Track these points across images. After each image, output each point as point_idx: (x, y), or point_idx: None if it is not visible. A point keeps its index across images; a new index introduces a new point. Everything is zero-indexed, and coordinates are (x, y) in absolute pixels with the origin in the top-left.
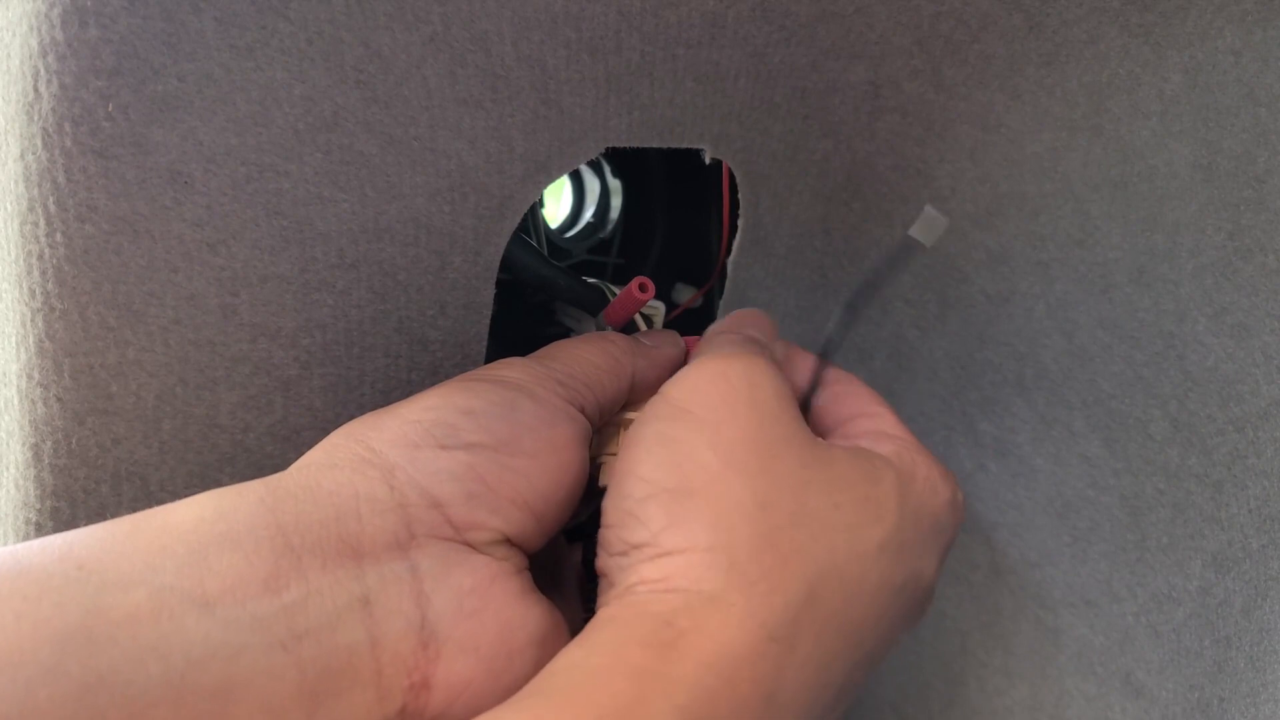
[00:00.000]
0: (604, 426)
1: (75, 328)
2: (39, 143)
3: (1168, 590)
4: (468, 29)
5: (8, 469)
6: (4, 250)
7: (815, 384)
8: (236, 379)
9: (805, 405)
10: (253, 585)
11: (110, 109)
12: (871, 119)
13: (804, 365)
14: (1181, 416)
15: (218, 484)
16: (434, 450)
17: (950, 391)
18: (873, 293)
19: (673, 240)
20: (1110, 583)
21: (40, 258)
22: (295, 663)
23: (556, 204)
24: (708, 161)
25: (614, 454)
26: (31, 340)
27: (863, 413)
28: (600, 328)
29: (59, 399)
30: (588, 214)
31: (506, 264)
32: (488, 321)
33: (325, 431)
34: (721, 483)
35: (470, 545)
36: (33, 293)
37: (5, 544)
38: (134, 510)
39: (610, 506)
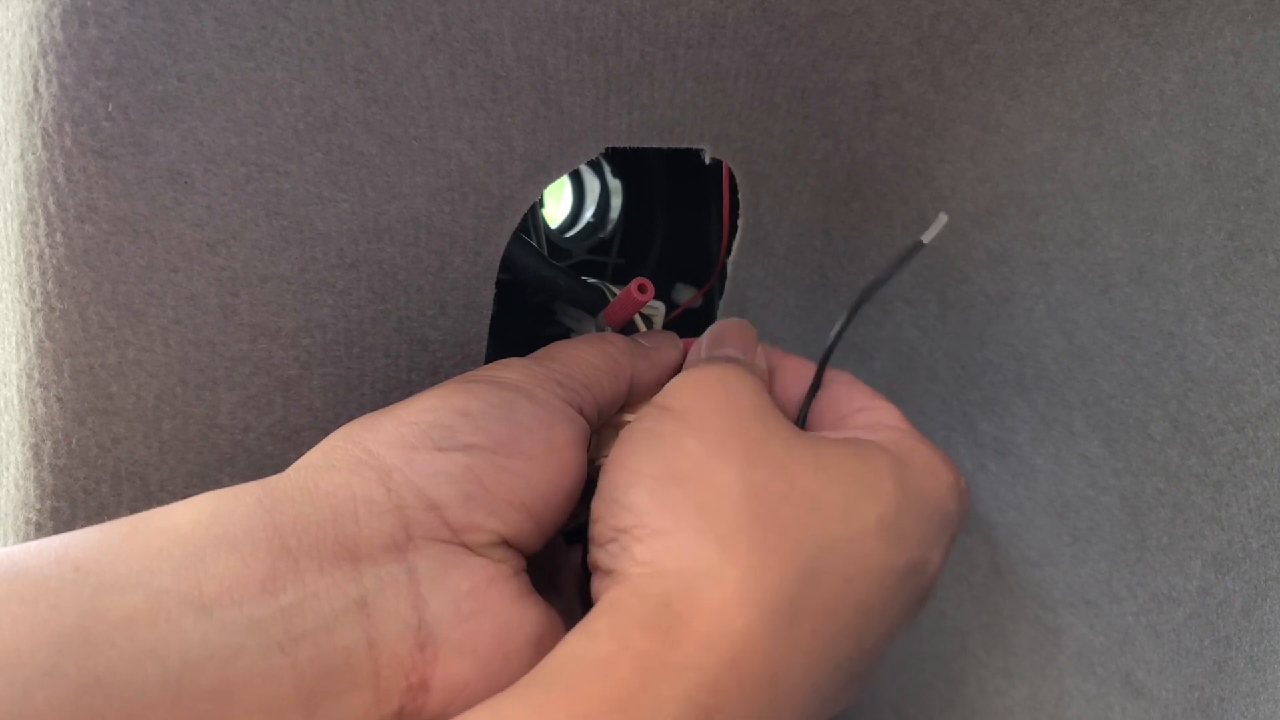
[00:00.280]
0: (603, 428)
1: (75, 328)
2: (39, 143)
3: (1168, 590)
4: (468, 29)
5: (8, 469)
6: (4, 250)
7: (816, 386)
8: (236, 379)
9: (806, 407)
10: (250, 587)
11: (110, 109)
12: (871, 119)
13: (796, 370)
14: (1181, 416)
15: (218, 484)
16: (431, 452)
17: (950, 391)
18: (871, 295)
19: (673, 240)
20: (1110, 583)
21: (40, 258)
22: (292, 664)
23: (556, 204)
24: (708, 161)
25: None
26: (31, 340)
27: (862, 407)
28: (600, 328)
29: (59, 399)
30: (588, 214)
31: (506, 264)
32: (488, 321)
33: (325, 431)
34: (707, 468)
35: (467, 547)
36: (33, 293)
37: (5, 544)
38: (134, 510)
39: (598, 501)
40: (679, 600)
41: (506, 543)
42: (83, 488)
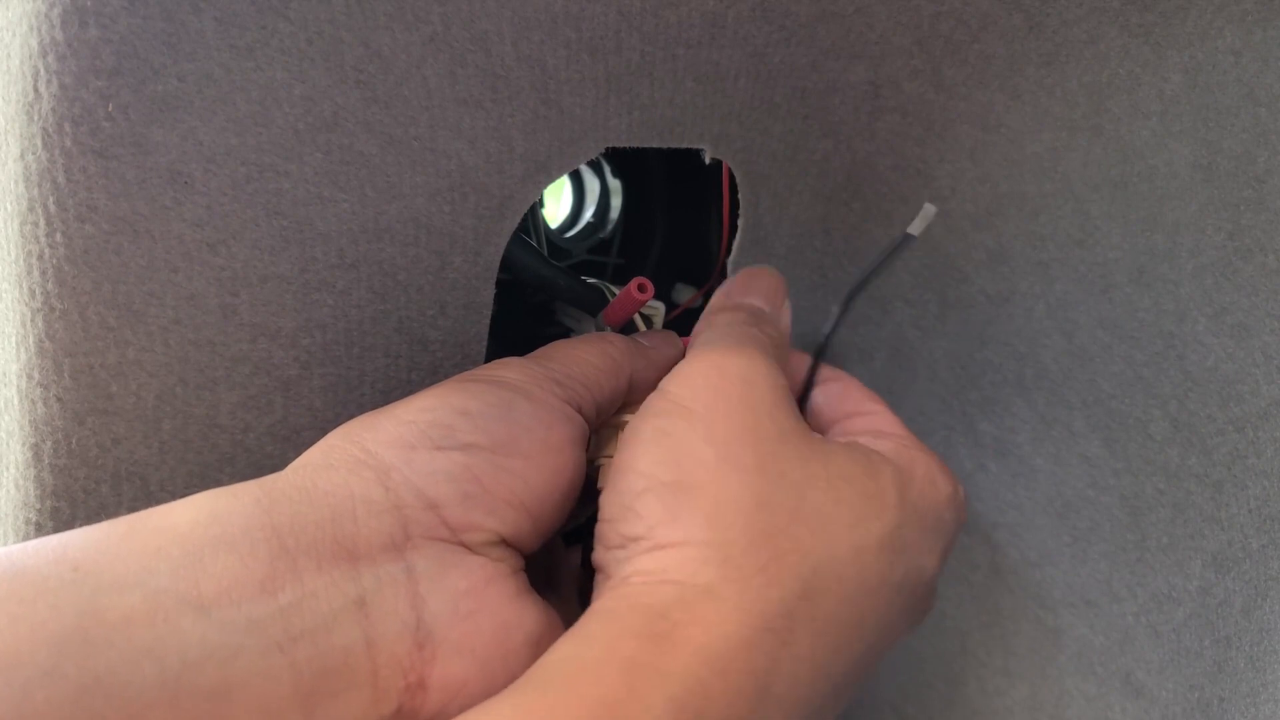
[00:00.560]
0: (601, 428)
1: (75, 328)
2: (39, 143)
3: (1168, 590)
4: (468, 29)
5: (8, 469)
6: (4, 250)
7: (811, 382)
8: (236, 379)
9: (801, 404)
10: (248, 587)
11: (110, 109)
12: (871, 119)
13: (797, 364)
14: (1181, 416)
15: (217, 484)
16: (429, 451)
17: (950, 391)
18: (864, 289)
19: (673, 240)
20: (1110, 583)
21: (40, 258)
22: (291, 664)
23: (556, 204)
24: (708, 161)
25: (611, 456)
26: (31, 340)
27: (859, 410)
28: (600, 328)
29: (59, 399)
30: (588, 214)
31: (506, 264)
32: (488, 321)
33: (325, 431)
34: (719, 478)
35: (466, 546)
36: (33, 293)
37: (4, 544)
38: (134, 510)
39: (608, 501)
40: (675, 610)
41: (505, 542)
42: (83, 488)
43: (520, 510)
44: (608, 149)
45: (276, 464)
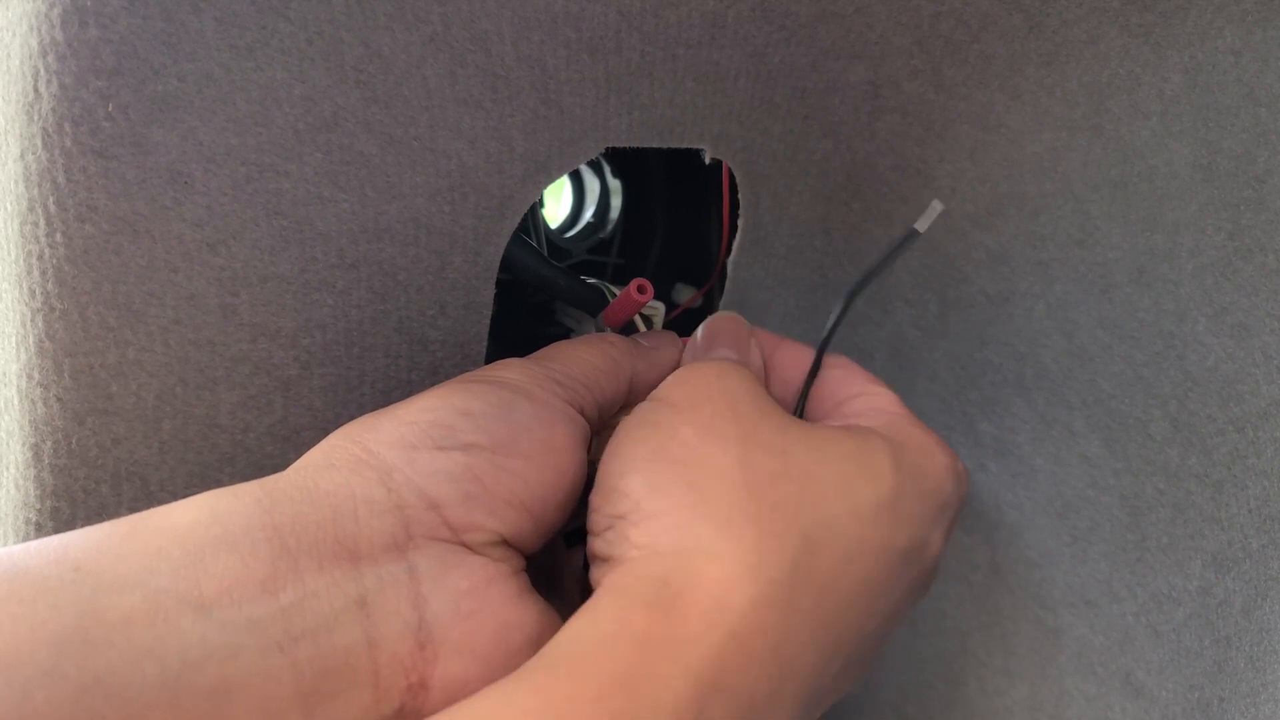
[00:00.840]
0: (602, 430)
1: (75, 328)
2: (39, 143)
3: (1168, 590)
4: (468, 29)
5: (8, 469)
6: (4, 250)
7: (815, 370)
8: (236, 379)
9: (805, 393)
10: (249, 587)
11: (110, 109)
12: (871, 119)
13: (795, 356)
14: (1181, 416)
15: (218, 484)
16: (431, 451)
17: (950, 391)
18: (869, 283)
19: (673, 240)
20: (1110, 583)
21: (40, 258)
22: (292, 664)
23: (556, 204)
24: (708, 161)
25: None
26: (31, 340)
27: (859, 392)
28: (600, 328)
29: (59, 399)
30: (588, 214)
31: (506, 264)
32: (488, 321)
33: (325, 431)
34: (701, 450)
35: (467, 546)
36: (33, 293)
37: (4, 544)
38: (134, 510)
39: (595, 492)
40: (678, 578)
41: (506, 542)
42: (83, 488)
43: (521, 510)
44: (608, 149)
45: (277, 464)
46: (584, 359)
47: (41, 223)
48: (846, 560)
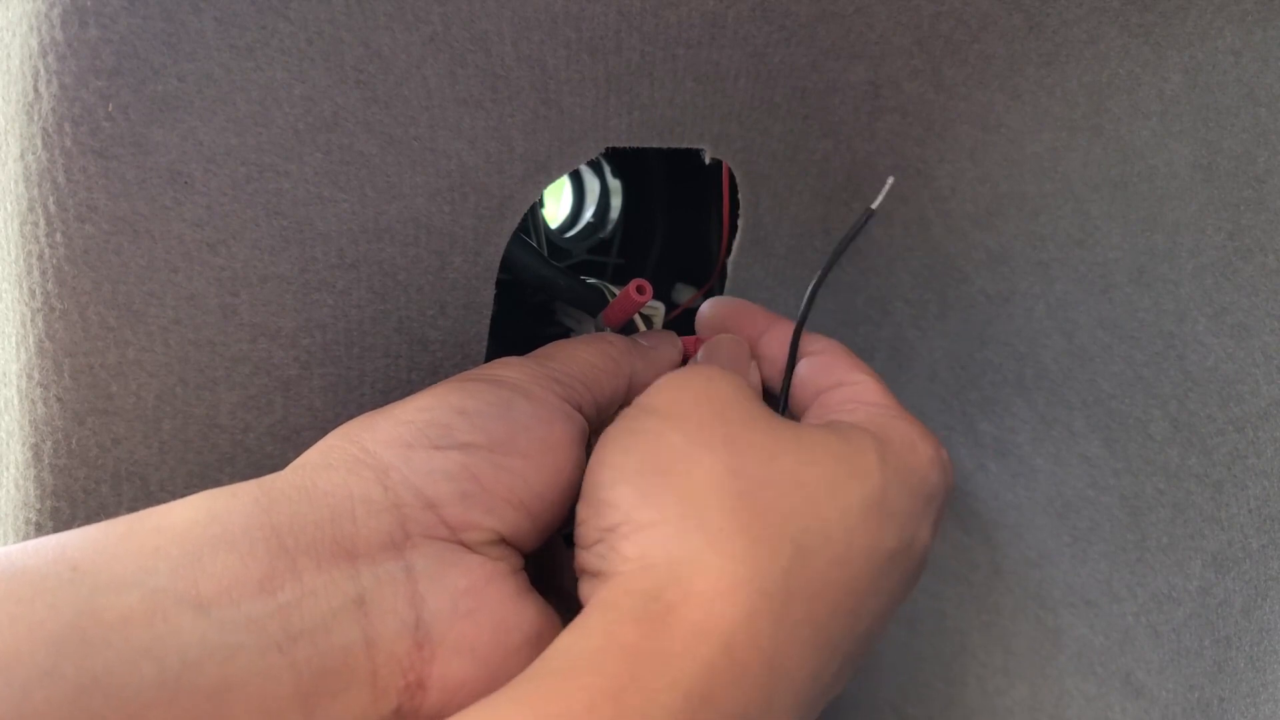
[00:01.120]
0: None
1: (75, 328)
2: (39, 143)
3: (1168, 590)
4: (468, 29)
5: (8, 469)
6: (4, 250)
7: (792, 365)
8: (236, 379)
9: (785, 381)
10: (247, 586)
11: (110, 109)
12: (871, 119)
13: (785, 336)
14: (1181, 416)
15: (217, 484)
16: (428, 450)
17: (950, 391)
18: (830, 270)
19: (673, 240)
20: (1110, 583)
21: (40, 258)
22: (290, 664)
23: (556, 204)
24: (708, 161)
25: None
26: (31, 340)
27: (841, 382)
28: (599, 328)
29: (59, 399)
30: (588, 214)
31: (506, 264)
32: (488, 321)
33: (325, 431)
34: (689, 458)
35: (465, 545)
36: (33, 293)
37: (4, 544)
38: (134, 510)
39: (581, 505)
40: (669, 591)
41: (504, 541)
42: (83, 488)
43: (519, 509)
44: (608, 149)
45: (276, 464)
46: (583, 358)
47: (41, 223)
48: (837, 564)
